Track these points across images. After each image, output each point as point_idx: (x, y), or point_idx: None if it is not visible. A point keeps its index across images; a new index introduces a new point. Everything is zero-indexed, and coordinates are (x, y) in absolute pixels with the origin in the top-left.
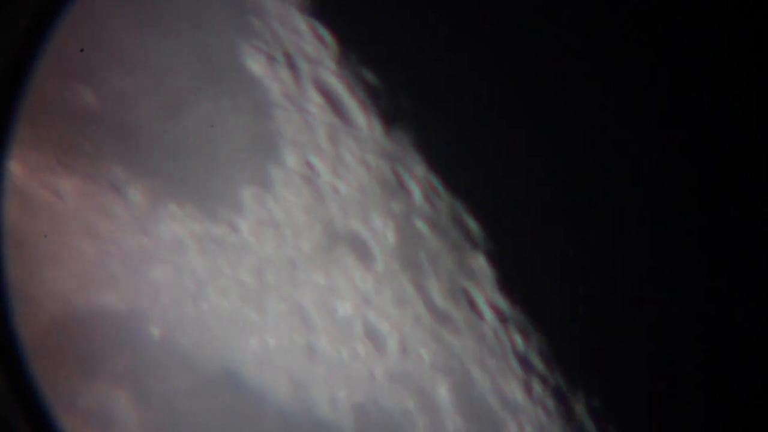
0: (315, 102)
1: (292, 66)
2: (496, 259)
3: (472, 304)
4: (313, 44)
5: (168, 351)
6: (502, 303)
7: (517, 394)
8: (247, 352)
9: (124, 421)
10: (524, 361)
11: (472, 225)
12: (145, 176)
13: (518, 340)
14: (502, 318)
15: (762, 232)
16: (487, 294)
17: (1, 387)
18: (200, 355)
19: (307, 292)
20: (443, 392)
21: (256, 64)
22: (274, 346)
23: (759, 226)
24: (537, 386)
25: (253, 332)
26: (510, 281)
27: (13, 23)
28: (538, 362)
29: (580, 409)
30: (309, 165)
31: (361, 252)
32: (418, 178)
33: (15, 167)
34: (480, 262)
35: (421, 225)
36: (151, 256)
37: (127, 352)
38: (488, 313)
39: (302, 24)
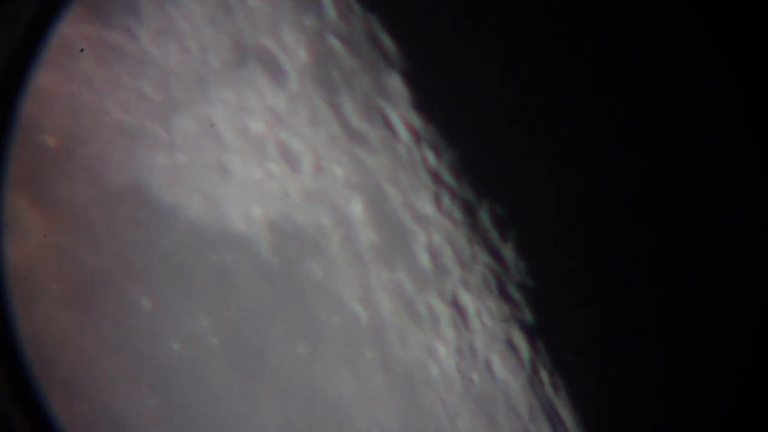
0: None
1: None
2: (412, 77)
3: (386, 123)
4: None
5: (67, 161)
6: (417, 121)
7: (427, 207)
8: (155, 168)
9: (25, 225)
10: (435, 176)
11: (388, 43)
12: None
13: (430, 156)
14: (416, 135)
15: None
16: (401, 112)
17: (1, 387)
18: (104, 167)
19: (218, 110)
20: (357, 207)
21: None
22: (184, 163)
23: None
24: (446, 199)
25: (161, 149)
26: (425, 100)
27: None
28: (448, 176)
29: (484, 217)
30: None
31: (273, 69)
32: None
33: None
34: (395, 81)
35: (335, 42)
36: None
37: (21, 160)
38: (403, 131)
39: None
